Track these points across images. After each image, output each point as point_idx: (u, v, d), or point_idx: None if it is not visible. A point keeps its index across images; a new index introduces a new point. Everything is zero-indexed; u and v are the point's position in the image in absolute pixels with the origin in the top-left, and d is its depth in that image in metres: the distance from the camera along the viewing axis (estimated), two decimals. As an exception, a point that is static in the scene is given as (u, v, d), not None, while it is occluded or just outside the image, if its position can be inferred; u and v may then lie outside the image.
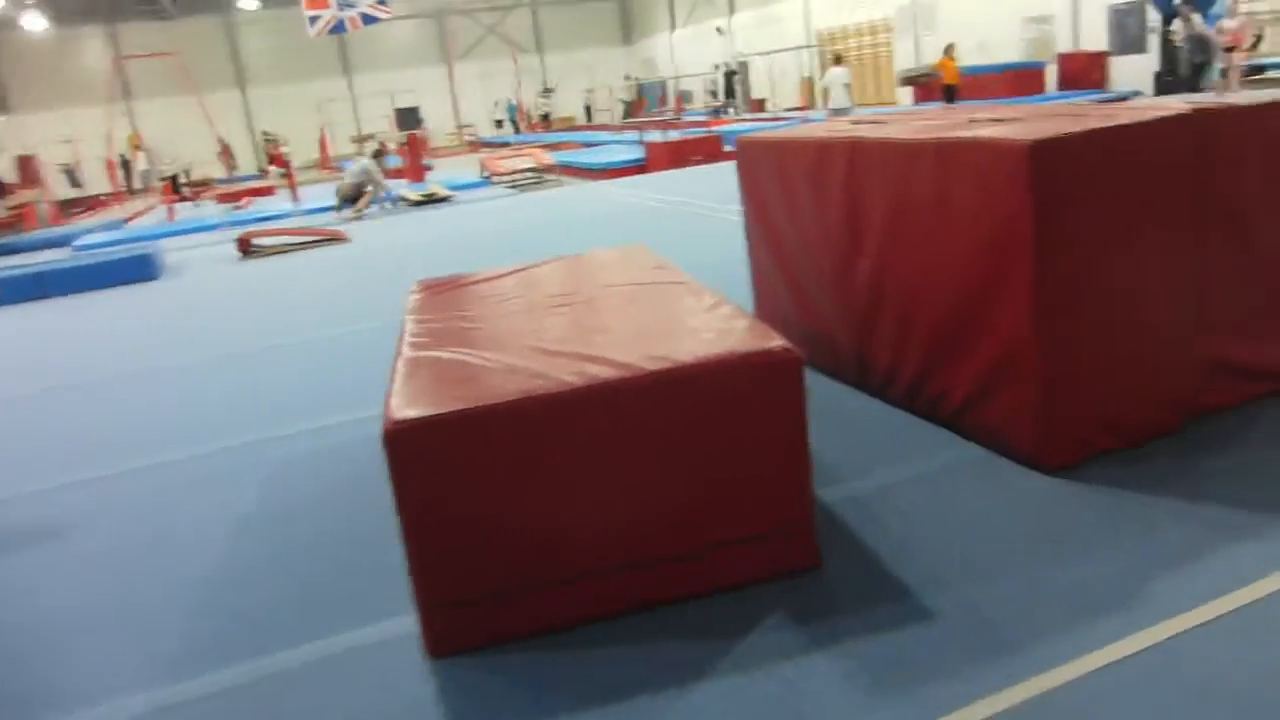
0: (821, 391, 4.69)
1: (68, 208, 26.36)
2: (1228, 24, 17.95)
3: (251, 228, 14.93)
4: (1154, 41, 20.90)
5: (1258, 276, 3.84)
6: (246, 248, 12.89)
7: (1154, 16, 20.66)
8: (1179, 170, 3.53)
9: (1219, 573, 2.80)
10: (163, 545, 3.96)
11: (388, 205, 16.28)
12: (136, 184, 29.32)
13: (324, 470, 4.55)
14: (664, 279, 3.95)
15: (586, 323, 3.42)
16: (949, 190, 3.70)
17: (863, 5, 30.27)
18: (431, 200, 16.89)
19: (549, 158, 20.33)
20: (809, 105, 29.84)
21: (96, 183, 30.80)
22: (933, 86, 21.59)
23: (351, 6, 20.32)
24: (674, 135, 20.04)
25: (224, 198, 23.08)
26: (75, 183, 31.61)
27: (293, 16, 27.32)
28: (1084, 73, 22.20)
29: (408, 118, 28.39)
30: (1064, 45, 23.34)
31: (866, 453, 3.97)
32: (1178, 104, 3.82)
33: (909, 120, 4.75)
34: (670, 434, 2.83)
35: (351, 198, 15.85)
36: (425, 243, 12.15)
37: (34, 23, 32.60)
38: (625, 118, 33.25)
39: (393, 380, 3.04)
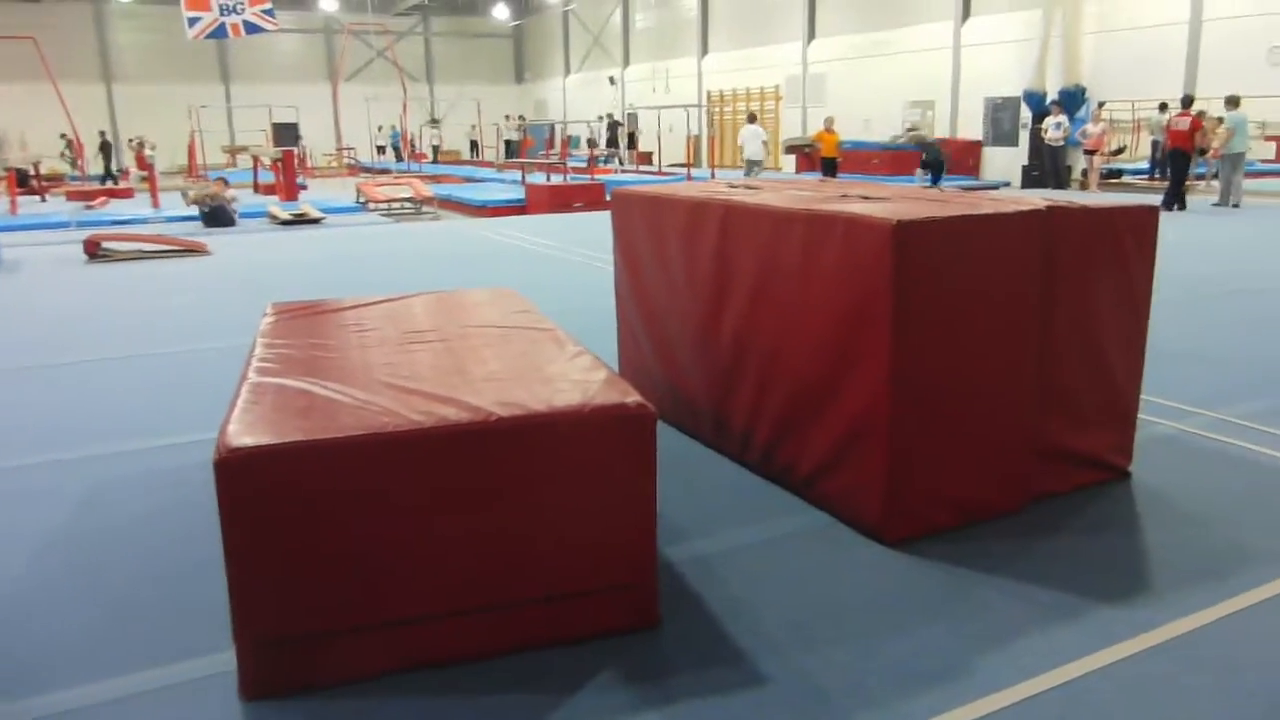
0: (677, 449, 4.70)
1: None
2: (1091, 129, 19.14)
3: (104, 230, 14.28)
4: (1024, 136, 22.12)
5: (1095, 369, 4.03)
6: (95, 250, 12.26)
7: (1026, 113, 21.90)
8: (1030, 263, 3.69)
9: (1042, 651, 2.90)
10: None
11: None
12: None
13: (153, 492, 4.31)
14: (528, 324, 3.91)
15: (443, 363, 3.35)
16: (815, 260, 3.78)
17: (755, 70, 31.13)
18: (302, 221, 16.49)
19: (428, 190, 20.13)
20: (694, 163, 30.40)
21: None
22: (814, 157, 22.28)
23: (235, 13, 19.80)
24: (557, 179, 20.10)
25: (75, 196, 22.06)
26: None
27: (171, 15, 26.54)
28: (959, 159, 23.25)
29: (285, 133, 27.76)
30: (943, 131, 24.40)
31: (716, 514, 3.99)
32: (1036, 200, 4.01)
33: (785, 189, 4.86)
34: (516, 482, 2.78)
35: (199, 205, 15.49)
36: (289, 263, 11.83)
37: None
38: (510, 156, 33.21)
39: (233, 405, 2.91)
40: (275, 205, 18.08)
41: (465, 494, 2.75)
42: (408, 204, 19.51)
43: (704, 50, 34.21)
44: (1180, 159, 15.78)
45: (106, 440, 5.06)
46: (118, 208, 19.53)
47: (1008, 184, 21.82)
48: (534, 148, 34.90)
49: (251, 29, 20.40)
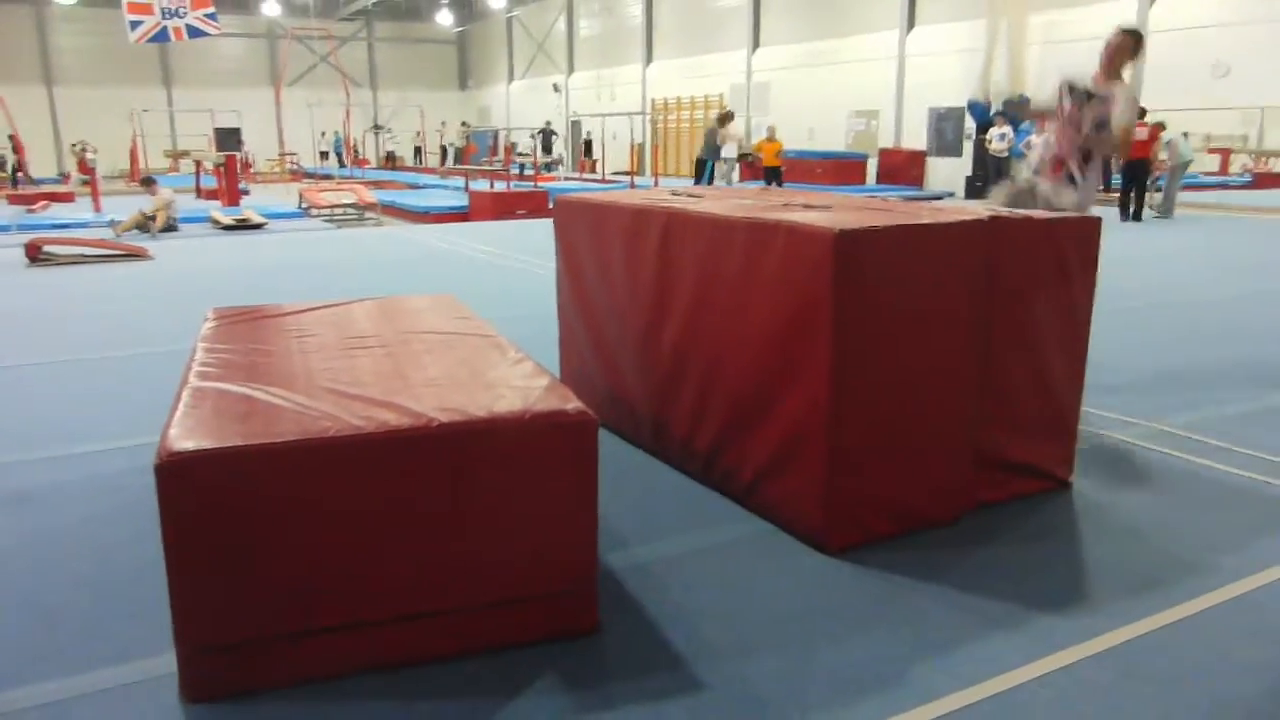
0: (618, 456, 4.70)
1: None
2: (1035, 140, 19.38)
3: (45, 234, 13.98)
4: (968, 147, 22.42)
5: (1036, 379, 4.09)
6: (36, 254, 12.02)
7: (970, 124, 22.22)
8: (972, 272, 3.74)
9: (980, 659, 2.92)
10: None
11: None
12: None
13: (93, 497, 4.21)
14: (469, 330, 3.89)
15: (384, 368, 3.33)
16: (756, 269, 3.80)
17: (700, 79, 31.28)
18: (244, 226, 16.29)
19: (371, 195, 19.97)
20: (638, 171, 30.44)
21: None
22: (756, 166, 22.45)
23: (178, 17, 19.44)
24: (500, 186, 20.04)
25: (16, 199, 21.60)
26: None
27: (113, 18, 26.04)
28: (903, 169, 23.58)
29: (228, 138, 27.37)
30: (887, 141, 24.72)
31: (656, 521, 3.99)
32: (978, 209, 4.06)
33: (727, 197, 4.89)
34: (456, 487, 2.76)
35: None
36: (231, 268, 11.64)
37: None
38: (456, 163, 33.05)
39: (174, 410, 2.87)
40: (218, 210, 17.81)
41: (405, 499, 2.73)
42: (350, 210, 19.33)
43: (649, 58, 34.35)
44: (1140, 169, 15.96)
45: (45, 445, 4.95)
46: (59, 212, 19.11)
47: (951, 194, 22.12)
48: (477, 154, 34.77)
49: (194, 33, 20.04)
